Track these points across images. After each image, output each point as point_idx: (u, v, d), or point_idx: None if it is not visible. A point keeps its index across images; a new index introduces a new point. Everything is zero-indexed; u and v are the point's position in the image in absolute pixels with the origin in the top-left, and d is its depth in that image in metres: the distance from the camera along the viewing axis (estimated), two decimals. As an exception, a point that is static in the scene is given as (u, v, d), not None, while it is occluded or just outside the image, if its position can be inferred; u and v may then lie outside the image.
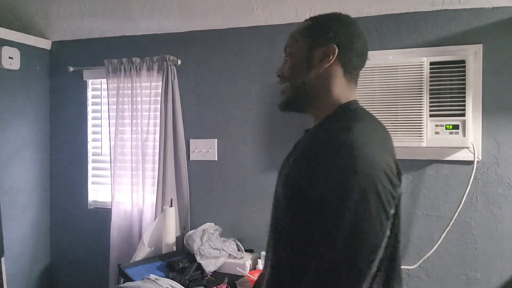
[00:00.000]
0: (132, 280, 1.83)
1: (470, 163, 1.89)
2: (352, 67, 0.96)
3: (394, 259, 0.90)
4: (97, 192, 2.63)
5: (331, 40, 0.93)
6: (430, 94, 1.83)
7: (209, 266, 1.97)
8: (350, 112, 0.92)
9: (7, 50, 2.32)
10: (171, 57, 2.31)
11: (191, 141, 2.37)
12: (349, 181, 0.75)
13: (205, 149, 2.35)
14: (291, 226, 0.87)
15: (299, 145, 0.99)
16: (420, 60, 1.84)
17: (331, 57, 0.93)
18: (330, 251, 0.76)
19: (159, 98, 2.35)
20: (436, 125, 1.83)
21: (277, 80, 1.02)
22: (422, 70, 1.83)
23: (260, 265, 2.02)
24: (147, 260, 2.08)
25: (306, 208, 0.81)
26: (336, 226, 0.75)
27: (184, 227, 2.32)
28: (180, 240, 2.24)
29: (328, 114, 0.94)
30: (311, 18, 1.01)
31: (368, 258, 0.76)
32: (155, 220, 2.26)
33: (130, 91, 2.39)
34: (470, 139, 1.83)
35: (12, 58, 2.36)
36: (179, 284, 1.77)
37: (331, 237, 0.76)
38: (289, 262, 0.88)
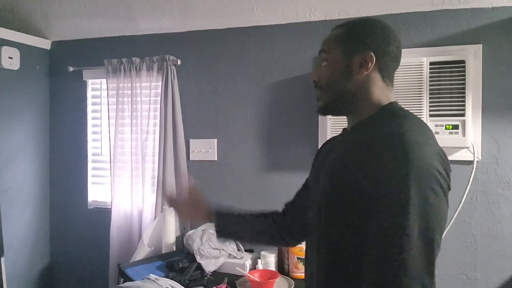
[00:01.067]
0: (132, 280, 1.83)
1: (470, 163, 1.89)
2: (389, 71, 0.99)
3: None
4: (97, 192, 2.63)
5: (368, 47, 0.95)
6: (430, 94, 1.83)
7: (209, 266, 1.97)
8: (395, 112, 0.94)
9: (7, 50, 2.32)
10: (171, 57, 2.31)
11: (191, 141, 2.37)
12: (409, 177, 0.77)
13: (205, 149, 2.35)
14: (349, 225, 0.87)
15: (342, 141, 1.01)
16: (420, 60, 1.84)
17: (370, 64, 0.94)
18: (401, 244, 0.76)
19: (159, 98, 2.35)
20: (436, 125, 1.83)
21: (312, 85, 1.04)
22: (422, 70, 1.83)
23: (260, 265, 2.02)
24: (147, 260, 2.08)
25: (364, 205, 0.82)
26: (404, 222, 0.77)
27: (184, 227, 2.32)
28: (180, 240, 2.24)
29: (370, 115, 0.95)
30: (343, 25, 1.02)
31: (438, 245, 0.81)
32: (155, 220, 2.26)
33: (130, 91, 2.39)
34: (470, 139, 1.83)
35: (12, 58, 2.35)
36: (179, 284, 1.77)
37: (401, 232, 0.77)
38: (346, 261, 0.88)
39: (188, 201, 1.30)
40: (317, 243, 0.96)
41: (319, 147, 1.21)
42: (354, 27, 0.99)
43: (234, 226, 1.28)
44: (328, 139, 1.19)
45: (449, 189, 0.87)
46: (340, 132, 1.10)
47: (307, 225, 1.06)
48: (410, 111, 0.96)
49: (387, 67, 0.98)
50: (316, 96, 1.03)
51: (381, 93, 0.97)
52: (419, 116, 1.80)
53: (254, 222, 1.28)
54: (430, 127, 1.80)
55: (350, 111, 1.01)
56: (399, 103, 0.99)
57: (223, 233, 1.29)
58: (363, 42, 0.95)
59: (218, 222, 1.28)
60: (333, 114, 1.08)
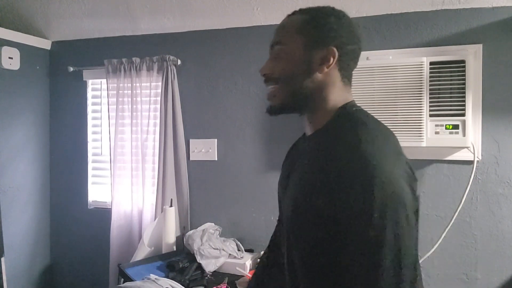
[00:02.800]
0: (132, 280, 1.83)
1: (470, 163, 1.89)
2: (349, 70, 0.91)
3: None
4: (97, 192, 2.63)
5: (332, 42, 0.86)
6: (430, 94, 1.83)
7: (209, 266, 1.97)
8: (353, 117, 0.87)
9: (7, 50, 2.32)
10: (171, 57, 2.31)
11: (191, 141, 2.37)
12: (375, 196, 0.71)
13: (205, 149, 2.35)
14: (314, 246, 0.81)
15: (303, 153, 0.93)
16: (420, 60, 1.84)
17: (331, 61, 0.86)
18: (376, 269, 0.70)
19: (159, 98, 2.35)
20: (436, 125, 1.83)
21: (262, 79, 0.93)
22: (422, 70, 1.83)
23: (260, 265, 2.02)
24: (147, 260, 2.08)
25: (328, 227, 0.76)
26: (378, 244, 0.70)
27: (184, 227, 2.32)
28: (180, 240, 2.24)
29: (329, 119, 0.88)
30: (305, 11, 0.90)
31: (413, 266, 0.74)
32: (155, 220, 2.26)
33: (130, 91, 2.39)
34: (470, 139, 1.83)
35: (12, 58, 2.35)
36: (179, 284, 1.77)
37: (374, 256, 0.70)
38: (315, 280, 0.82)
39: None
40: (290, 250, 0.90)
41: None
42: (318, 16, 0.88)
43: None
44: (296, 141, 1.09)
45: (417, 200, 0.78)
46: (300, 137, 1.03)
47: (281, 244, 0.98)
48: (370, 112, 0.89)
49: (348, 66, 0.90)
50: (267, 93, 0.92)
51: (340, 93, 0.89)
52: (419, 116, 1.82)
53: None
54: (430, 127, 1.82)
55: (306, 111, 0.91)
56: (358, 102, 0.90)
57: None
58: (328, 36, 0.86)
59: None
60: (288, 113, 0.93)
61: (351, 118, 0.86)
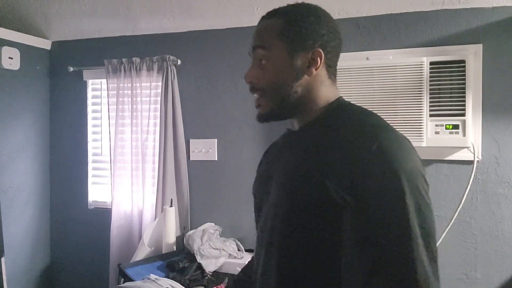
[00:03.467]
0: (132, 280, 1.83)
1: (470, 162, 1.89)
2: (334, 66, 0.90)
3: None
4: (97, 192, 2.63)
5: (315, 43, 0.84)
6: (430, 94, 1.83)
7: (209, 266, 1.97)
8: (353, 106, 0.88)
9: (7, 50, 2.32)
10: (171, 57, 2.31)
11: (191, 141, 2.37)
12: (401, 185, 0.71)
13: (205, 149, 2.35)
14: (318, 236, 0.78)
15: (290, 146, 0.91)
16: (420, 60, 1.84)
17: (319, 62, 0.84)
18: (403, 248, 0.70)
19: (159, 98, 2.35)
20: (436, 125, 1.83)
21: (248, 87, 0.90)
22: (422, 70, 1.83)
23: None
24: (147, 260, 2.08)
25: (334, 215, 0.74)
26: (403, 225, 0.70)
27: (184, 227, 2.32)
28: (180, 240, 2.24)
29: (322, 112, 0.87)
30: (283, 13, 0.87)
31: (435, 244, 0.74)
32: (155, 220, 2.26)
33: (130, 91, 2.39)
34: (470, 139, 1.83)
35: (12, 58, 2.35)
36: (179, 284, 1.77)
37: (410, 232, 0.70)
38: (312, 275, 0.79)
39: None
40: (273, 258, 0.85)
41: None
42: (296, 17, 0.85)
43: None
44: (271, 145, 1.08)
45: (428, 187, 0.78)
46: (283, 135, 0.99)
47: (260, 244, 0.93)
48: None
49: (333, 62, 0.89)
50: (256, 101, 0.91)
51: (329, 91, 0.88)
52: (419, 116, 1.82)
53: None
54: (430, 127, 1.82)
55: (296, 114, 0.90)
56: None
57: None
58: (311, 38, 0.84)
59: None
60: (277, 120, 0.91)
61: (350, 107, 0.88)
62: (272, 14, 0.88)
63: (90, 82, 2.62)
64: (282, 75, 0.85)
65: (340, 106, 0.88)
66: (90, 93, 2.63)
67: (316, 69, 0.85)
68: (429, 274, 0.69)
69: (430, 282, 0.69)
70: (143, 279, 1.79)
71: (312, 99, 0.87)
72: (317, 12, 0.88)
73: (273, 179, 0.89)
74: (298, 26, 0.85)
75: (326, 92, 0.88)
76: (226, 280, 1.89)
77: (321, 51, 0.84)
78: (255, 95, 0.91)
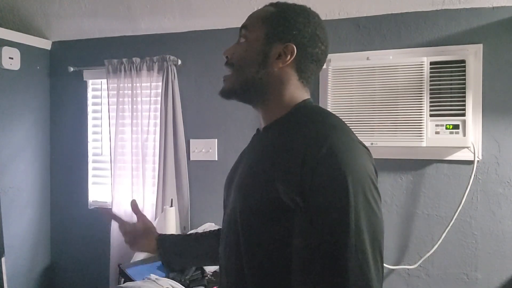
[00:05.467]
0: (133, 280, 1.83)
1: (470, 162, 1.89)
2: (308, 72, 0.88)
3: None
4: (97, 192, 2.63)
5: (292, 40, 0.84)
6: (430, 94, 1.83)
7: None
8: (316, 109, 0.87)
9: (7, 50, 2.32)
10: (171, 57, 2.31)
11: (191, 141, 2.37)
12: (346, 186, 0.70)
13: (205, 149, 2.35)
14: (270, 239, 0.77)
15: (255, 145, 0.92)
16: (420, 60, 1.84)
17: (288, 58, 0.84)
18: (343, 254, 0.69)
19: (159, 98, 2.35)
20: (436, 125, 1.83)
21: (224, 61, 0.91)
22: (422, 70, 1.83)
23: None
24: (147, 260, 2.08)
25: (286, 218, 0.74)
26: (346, 231, 0.70)
27: (185, 227, 2.32)
28: (180, 240, 2.23)
29: (286, 112, 0.86)
30: (279, 5, 0.89)
31: (380, 254, 0.74)
32: (155, 220, 2.26)
33: (130, 91, 2.39)
34: (470, 139, 1.83)
35: (12, 58, 2.35)
36: (179, 284, 1.77)
37: (342, 242, 0.69)
38: (256, 270, 0.79)
39: (138, 234, 1.13)
40: (231, 259, 0.85)
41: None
42: (288, 11, 0.87)
43: (179, 248, 1.12)
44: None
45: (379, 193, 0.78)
46: (253, 135, 0.99)
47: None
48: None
49: (306, 68, 0.87)
50: (224, 76, 0.92)
51: (296, 91, 0.87)
52: (419, 116, 1.82)
53: (201, 242, 1.14)
54: (431, 127, 1.83)
55: (259, 102, 0.90)
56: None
57: (167, 257, 1.11)
58: (290, 32, 0.85)
59: (161, 245, 1.11)
60: (240, 100, 0.92)
61: (312, 109, 0.87)
62: (272, 4, 0.91)
63: (90, 82, 2.62)
64: (252, 55, 0.86)
65: (303, 108, 0.87)
66: (90, 93, 2.63)
67: (282, 64, 0.85)
68: (350, 279, 0.68)
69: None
70: (144, 279, 1.80)
71: (277, 94, 0.87)
72: (309, 17, 0.88)
73: (235, 180, 0.89)
74: (284, 19, 0.86)
75: (293, 92, 0.87)
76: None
77: (294, 48, 0.84)
78: (226, 70, 0.92)
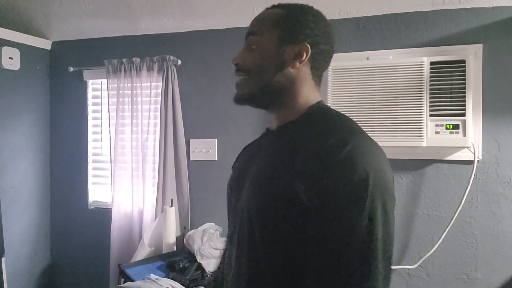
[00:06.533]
0: (133, 280, 1.83)
1: (470, 162, 1.89)
2: (320, 70, 0.91)
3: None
4: (97, 192, 2.63)
5: (306, 39, 0.86)
6: (430, 94, 1.83)
7: (210, 266, 1.97)
8: (332, 111, 0.89)
9: (7, 50, 2.32)
10: (171, 57, 2.31)
11: (191, 141, 2.37)
12: (366, 190, 0.71)
13: (205, 149, 2.35)
14: (289, 239, 0.77)
15: (266, 146, 0.91)
16: (420, 60, 1.84)
17: (304, 57, 0.86)
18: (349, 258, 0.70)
19: (159, 98, 2.35)
20: (436, 125, 1.83)
21: (234, 69, 0.92)
22: (422, 70, 1.83)
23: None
24: (147, 260, 2.08)
25: (307, 218, 0.74)
26: (371, 232, 0.71)
27: (185, 227, 2.32)
28: (180, 240, 2.24)
29: (301, 113, 0.87)
30: (284, 7, 0.90)
31: (389, 261, 0.74)
32: (155, 220, 2.26)
33: (130, 91, 2.39)
34: (470, 139, 1.83)
35: (12, 58, 2.35)
36: (179, 284, 1.77)
37: (366, 243, 0.70)
38: (274, 269, 0.79)
39: None
40: (243, 257, 0.85)
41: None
42: (296, 12, 0.88)
43: None
44: (248, 144, 1.08)
45: (394, 199, 0.79)
46: (262, 135, 0.99)
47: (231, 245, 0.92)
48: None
49: (319, 65, 0.89)
50: (237, 82, 0.92)
51: (310, 91, 0.89)
52: (419, 116, 1.82)
53: None
54: (431, 127, 1.83)
55: (275, 106, 0.91)
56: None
57: None
58: (303, 32, 0.86)
59: None
60: (255, 106, 0.94)
61: (329, 112, 0.88)
62: (275, 6, 0.92)
63: (90, 82, 2.62)
64: (268, 60, 0.87)
65: (319, 110, 0.88)
66: (90, 93, 2.63)
67: (300, 63, 0.86)
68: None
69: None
70: (144, 279, 1.80)
71: (293, 95, 0.88)
72: (317, 15, 0.90)
73: (247, 179, 0.88)
74: (295, 19, 0.87)
75: (307, 92, 0.89)
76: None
77: (309, 47, 0.86)
78: (238, 77, 0.92)
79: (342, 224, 0.71)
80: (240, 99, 0.93)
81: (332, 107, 0.91)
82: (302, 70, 0.87)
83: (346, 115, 0.88)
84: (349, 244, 0.70)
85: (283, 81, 0.87)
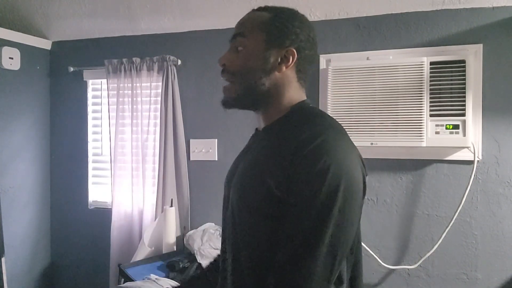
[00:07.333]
0: (133, 280, 1.83)
1: (470, 162, 1.89)
2: (305, 73, 0.93)
3: (359, 242, 0.91)
4: (97, 192, 2.63)
5: (292, 44, 0.88)
6: (430, 94, 1.83)
7: (210, 266, 1.97)
8: (312, 110, 0.91)
9: (7, 50, 2.32)
10: (171, 57, 2.31)
11: (191, 141, 2.37)
12: (323, 180, 0.74)
13: (205, 149, 2.35)
14: (266, 235, 0.81)
15: (254, 144, 0.95)
16: (420, 60, 1.84)
17: (290, 61, 0.88)
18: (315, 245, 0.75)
19: (159, 98, 2.35)
20: (436, 125, 1.83)
21: (220, 70, 0.93)
22: (422, 70, 1.83)
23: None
24: (147, 260, 2.08)
25: (279, 210, 0.78)
26: (324, 214, 0.75)
27: (185, 227, 2.32)
28: (180, 240, 2.24)
29: (284, 113, 0.90)
30: (272, 10, 0.91)
31: (348, 246, 0.80)
32: (155, 220, 2.26)
33: (130, 91, 2.39)
34: (470, 139, 1.83)
35: (12, 58, 2.35)
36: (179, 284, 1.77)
37: (318, 225, 0.75)
38: (252, 261, 0.84)
39: None
40: (229, 254, 0.90)
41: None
42: (283, 16, 0.90)
43: None
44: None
45: (364, 188, 0.84)
46: (252, 134, 1.03)
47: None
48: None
49: (304, 69, 0.92)
50: (224, 86, 0.94)
51: (295, 92, 0.91)
52: (419, 116, 1.82)
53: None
54: (431, 127, 1.83)
55: (261, 108, 0.93)
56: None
57: None
58: (289, 37, 0.88)
59: None
60: (242, 108, 0.95)
61: (310, 110, 0.91)
62: (262, 8, 0.93)
63: (90, 82, 2.62)
64: (253, 63, 0.88)
65: (301, 109, 0.91)
66: (90, 93, 2.63)
67: (286, 67, 0.88)
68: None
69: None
70: (144, 279, 1.80)
71: (278, 97, 0.90)
72: (303, 20, 0.92)
73: (236, 176, 0.92)
74: (282, 24, 0.88)
75: (292, 94, 0.91)
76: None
77: (295, 51, 0.88)
78: (225, 80, 0.94)
79: (300, 205, 0.75)
80: (226, 103, 0.94)
81: (322, 107, 0.93)
82: (287, 74, 0.90)
83: (328, 114, 0.91)
84: (298, 226, 0.75)
85: (269, 85, 0.89)
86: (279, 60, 0.88)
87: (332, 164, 0.75)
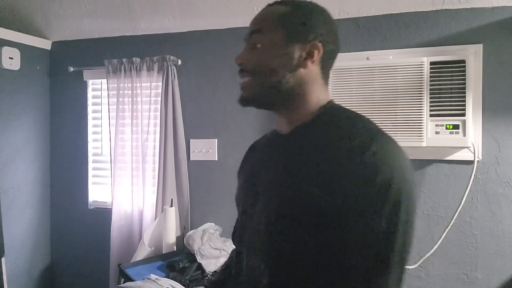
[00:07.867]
0: (133, 280, 1.83)
1: (471, 162, 1.89)
2: (329, 69, 0.88)
3: None
4: (97, 192, 2.63)
5: (317, 37, 0.82)
6: (430, 94, 1.83)
7: (210, 266, 1.97)
8: (348, 112, 0.86)
9: (7, 50, 2.32)
10: (171, 57, 2.31)
11: (191, 141, 2.37)
12: (387, 194, 0.71)
13: (205, 149, 2.35)
14: (310, 245, 0.76)
15: (279, 150, 0.87)
16: (420, 60, 1.84)
17: (315, 56, 0.82)
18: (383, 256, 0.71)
19: (159, 98, 2.35)
20: (436, 125, 1.83)
21: (235, 69, 0.87)
22: (422, 70, 1.83)
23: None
24: (147, 260, 2.08)
25: (326, 222, 0.74)
26: (390, 236, 0.71)
27: (185, 227, 2.32)
28: (180, 240, 2.24)
29: (314, 114, 0.84)
30: (288, 3, 0.85)
31: (404, 267, 0.75)
32: (155, 220, 2.26)
33: (130, 91, 2.39)
34: (470, 139, 1.83)
35: (12, 58, 2.35)
36: (179, 284, 1.77)
37: (385, 248, 0.71)
38: (297, 274, 0.78)
39: None
40: (262, 265, 0.82)
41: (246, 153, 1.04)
42: (302, 8, 0.83)
43: None
44: (253, 143, 1.06)
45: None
46: (269, 134, 0.96)
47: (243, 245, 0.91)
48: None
49: (328, 64, 0.86)
50: (241, 83, 0.87)
51: (321, 91, 0.86)
52: (419, 116, 1.82)
53: None
54: (431, 127, 1.83)
55: (284, 107, 0.86)
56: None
57: None
58: (311, 31, 0.81)
59: None
60: (261, 107, 0.90)
61: (346, 113, 0.85)
62: (277, 2, 0.87)
63: (90, 82, 2.62)
64: (276, 60, 0.82)
65: (333, 110, 0.85)
66: (90, 93, 2.63)
67: (312, 63, 0.82)
68: None
69: None
70: (144, 279, 1.80)
71: (304, 96, 0.84)
72: (324, 13, 0.86)
73: (261, 183, 0.86)
74: (302, 17, 0.82)
75: (318, 92, 0.85)
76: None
77: (319, 45, 0.82)
78: (242, 78, 0.87)
79: (362, 225, 0.71)
80: (245, 101, 0.88)
81: (349, 109, 0.88)
82: (313, 70, 0.83)
83: (360, 113, 0.85)
84: (366, 245, 0.71)
85: (294, 82, 0.82)
86: (304, 55, 0.81)
87: (393, 175, 0.71)
